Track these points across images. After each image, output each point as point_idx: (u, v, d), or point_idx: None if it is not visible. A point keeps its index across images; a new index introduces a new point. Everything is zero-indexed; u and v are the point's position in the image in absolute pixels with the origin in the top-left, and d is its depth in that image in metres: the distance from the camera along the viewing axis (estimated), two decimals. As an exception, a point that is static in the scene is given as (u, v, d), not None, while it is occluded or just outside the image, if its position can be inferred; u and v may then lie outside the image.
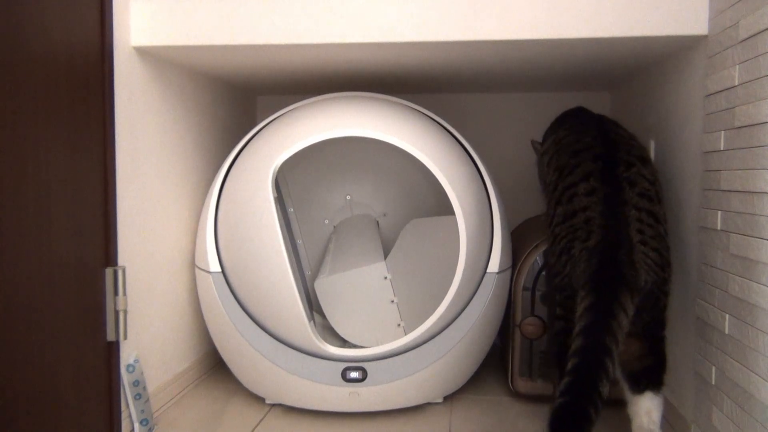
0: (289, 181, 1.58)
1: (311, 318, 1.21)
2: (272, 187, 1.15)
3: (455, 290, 1.17)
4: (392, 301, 1.38)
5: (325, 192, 1.63)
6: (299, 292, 1.15)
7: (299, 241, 1.60)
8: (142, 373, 1.17)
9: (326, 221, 1.62)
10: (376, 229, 1.57)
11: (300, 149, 1.18)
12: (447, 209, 1.21)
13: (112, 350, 1.07)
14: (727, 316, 0.94)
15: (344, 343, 1.37)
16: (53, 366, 0.92)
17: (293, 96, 1.77)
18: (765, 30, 0.84)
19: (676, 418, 1.14)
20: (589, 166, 1.03)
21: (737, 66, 0.92)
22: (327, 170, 1.62)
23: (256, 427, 1.21)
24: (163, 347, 1.30)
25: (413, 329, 1.18)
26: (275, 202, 1.15)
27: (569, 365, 0.88)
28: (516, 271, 1.29)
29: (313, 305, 1.50)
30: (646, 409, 1.00)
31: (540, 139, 1.34)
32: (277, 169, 1.17)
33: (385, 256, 1.42)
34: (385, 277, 1.38)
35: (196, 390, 1.40)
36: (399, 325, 1.37)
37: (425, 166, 1.18)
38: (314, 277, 1.49)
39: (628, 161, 1.03)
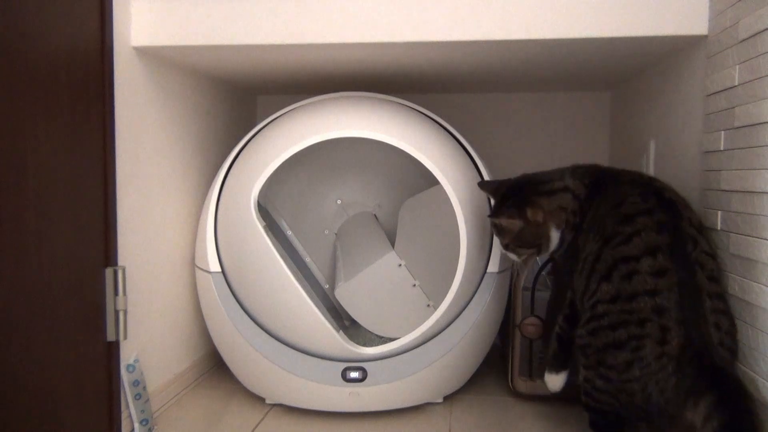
0: (278, 205, 1.59)
1: (339, 328, 1.22)
2: (257, 216, 1.16)
3: (455, 290, 1.17)
4: (414, 285, 1.38)
5: (316, 204, 1.62)
6: (318, 308, 1.16)
7: (307, 259, 1.60)
8: (142, 373, 1.17)
9: (326, 231, 1.62)
10: (376, 222, 1.57)
11: (281, 163, 1.18)
12: (435, 182, 1.22)
13: (112, 350, 1.06)
14: (727, 316, 0.94)
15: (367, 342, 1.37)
16: (53, 366, 0.92)
17: (293, 96, 1.77)
18: (765, 30, 0.84)
19: (676, 418, 1.14)
20: (653, 237, 0.86)
21: (737, 66, 0.92)
22: (311, 182, 1.61)
23: (256, 427, 1.21)
24: (163, 347, 1.30)
25: (442, 304, 1.18)
26: (266, 231, 1.16)
27: None
28: (516, 271, 1.29)
29: (342, 315, 1.50)
30: None
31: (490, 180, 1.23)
32: (256, 197, 1.17)
33: (393, 245, 1.42)
34: (400, 265, 1.38)
35: (196, 390, 1.40)
36: (428, 305, 1.37)
37: (403, 148, 1.18)
38: (333, 288, 1.49)
39: (693, 236, 0.88)
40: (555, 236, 1.02)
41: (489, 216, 1.09)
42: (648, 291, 0.83)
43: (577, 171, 1.04)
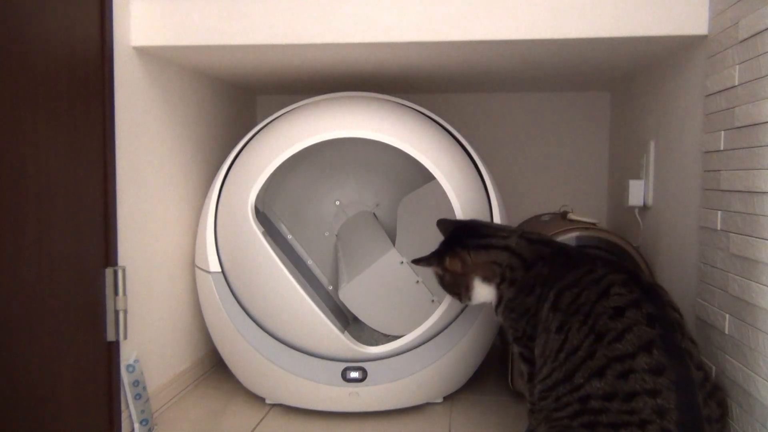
0: (277, 210, 1.59)
1: (344, 329, 1.22)
2: (255, 223, 1.16)
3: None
4: (417, 282, 1.38)
5: (314, 206, 1.62)
6: (322, 310, 1.16)
7: (309, 262, 1.60)
8: (142, 373, 1.17)
9: (326, 233, 1.62)
10: (376, 221, 1.57)
11: (277, 165, 1.18)
12: (432, 178, 1.21)
13: (112, 350, 1.07)
14: (727, 316, 0.94)
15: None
16: (53, 366, 0.92)
17: (293, 96, 1.77)
18: (765, 30, 0.84)
19: (676, 418, 1.13)
20: (645, 332, 0.82)
21: (737, 66, 0.92)
22: (308, 184, 1.61)
23: (256, 427, 1.21)
24: (163, 347, 1.30)
25: (446, 297, 1.18)
26: (265, 237, 1.16)
27: None
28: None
29: (347, 316, 1.51)
30: None
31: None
32: (253, 204, 1.17)
33: (393, 243, 1.42)
34: (401, 262, 1.38)
35: (196, 390, 1.40)
36: (432, 300, 1.37)
37: (403, 149, 1.18)
38: (336, 290, 1.49)
39: (678, 321, 0.86)
40: (483, 289, 1.02)
41: (412, 260, 1.09)
42: (648, 391, 0.80)
43: (527, 235, 1.03)
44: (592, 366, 0.84)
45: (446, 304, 1.18)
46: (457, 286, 1.04)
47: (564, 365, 0.87)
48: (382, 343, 1.22)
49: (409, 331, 1.20)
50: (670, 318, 0.85)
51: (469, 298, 1.04)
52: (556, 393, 0.87)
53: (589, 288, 0.89)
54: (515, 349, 1.02)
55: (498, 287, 1.01)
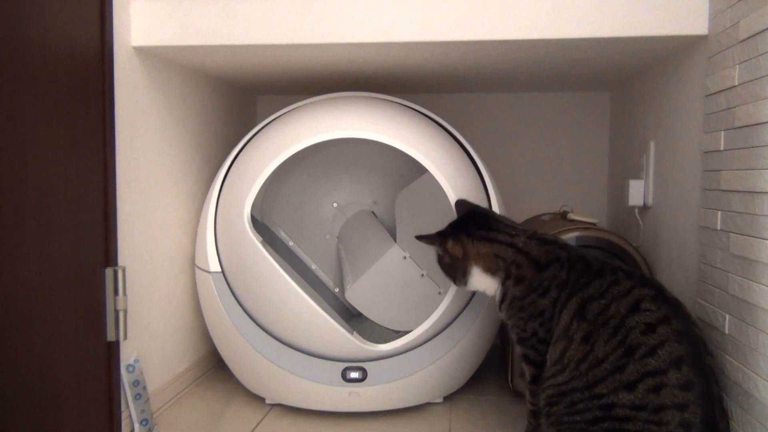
0: (275, 218, 1.59)
1: (352, 330, 1.22)
2: (252, 230, 1.17)
3: (455, 290, 1.17)
4: (422, 275, 1.38)
5: (312, 210, 1.62)
6: (328, 313, 1.16)
7: (313, 266, 1.60)
8: (142, 373, 1.17)
9: (327, 236, 1.62)
10: (375, 219, 1.57)
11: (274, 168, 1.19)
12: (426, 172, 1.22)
13: (112, 350, 1.06)
14: (727, 316, 0.94)
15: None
16: (53, 366, 0.92)
17: (293, 96, 1.77)
18: (765, 30, 0.84)
19: (676, 418, 1.13)
20: (676, 348, 0.85)
21: (737, 66, 0.92)
22: (304, 189, 1.61)
23: (256, 427, 1.21)
24: (163, 347, 1.30)
25: (451, 290, 1.18)
26: (264, 245, 1.17)
27: None
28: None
29: (352, 313, 1.51)
30: None
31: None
32: (249, 212, 1.18)
33: (395, 238, 1.42)
34: (405, 257, 1.38)
35: (196, 390, 1.40)
36: (439, 292, 1.37)
37: (402, 149, 1.18)
38: (343, 291, 1.49)
39: (701, 338, 0.89)
40: (482, 278, 1.02)
41: (416, 236, 1.10)
42: (677, 405, 0.83)
43: (538, 236, 1.02)
44: (621, 379, 0.86)
45: (450, 295, 1.18)
46: (453, 270, 1.05)
47: (585, 375, 0.89)
48: (386, 341, 1.22)
49: (419, 324, 1.20)
50: (696, 335, 0.88)
51: (465, 283, 1.04)
52: (571, 399, 0.89)
53: (618, 301, 0.90)
54: (519, 350, 1.02)
55: (503, 283, 1.01)
